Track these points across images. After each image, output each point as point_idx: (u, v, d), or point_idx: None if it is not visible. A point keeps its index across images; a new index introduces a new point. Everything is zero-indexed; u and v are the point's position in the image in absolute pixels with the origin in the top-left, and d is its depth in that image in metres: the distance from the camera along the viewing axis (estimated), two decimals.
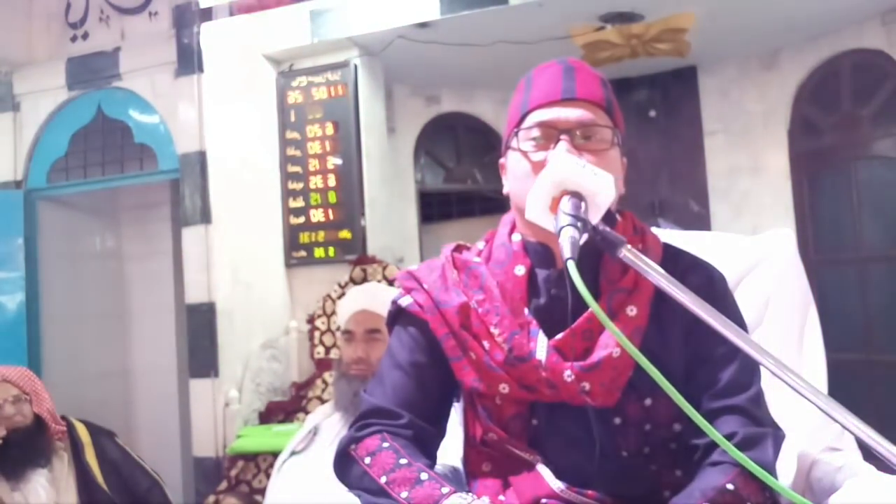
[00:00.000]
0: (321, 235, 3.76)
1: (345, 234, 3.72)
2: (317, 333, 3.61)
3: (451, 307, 1.08)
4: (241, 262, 3.56)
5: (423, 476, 0.98)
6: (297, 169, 3.82)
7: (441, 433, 1.14)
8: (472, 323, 1.07)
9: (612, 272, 1.03)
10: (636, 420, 1.02)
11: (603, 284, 1.03)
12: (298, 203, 3.81)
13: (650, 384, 0.79)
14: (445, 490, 0.95)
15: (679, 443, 1.03)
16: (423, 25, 3.57)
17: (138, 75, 3.66)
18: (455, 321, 1.07)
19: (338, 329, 3.28)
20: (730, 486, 0.91)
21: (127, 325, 4.22)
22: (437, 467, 1.11)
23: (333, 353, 3.48)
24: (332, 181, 3.76)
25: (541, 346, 1.02)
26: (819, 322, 1.42)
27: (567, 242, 0.87)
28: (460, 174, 4.85)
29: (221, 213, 3.49)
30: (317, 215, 3.77)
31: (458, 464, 1.25)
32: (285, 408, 3.50)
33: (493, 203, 4.77)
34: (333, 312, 3.52)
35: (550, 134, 1.03)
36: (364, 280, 3.51)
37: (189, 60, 3.50)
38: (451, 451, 1.25)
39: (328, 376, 3.41)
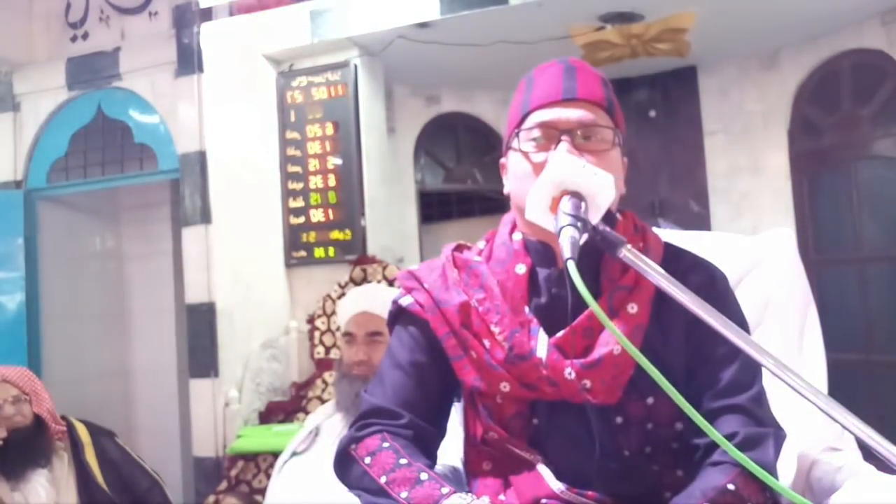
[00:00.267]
0: (321, 235, 3.76)
1: (345, 234, 3.72)
2: (317, 333, 3.61)
3: (451, 306, 1.08)
4: (241, 262, 3.56)
5: (423, 476, 0.98)
6: (297, 169, 3.82)
7: (441, 433, 1.14)
8: (472, 322, 1.07)
9: (612, 270, 1.03)
10: (638, 419, 1.02)
11: (604, 283, 1.03)
12: (298, 203, 3.81)
13: (652, 383, 0.79)
14: (445, 490, 0.95)
15: (681, 442, 1.03)
16: (423, 25, 3.57)
17: (138, 75, 3.66)
18: (455, 320, 1.07)
19: (338, 329, 3.28)
20: (730, 487, 0.91)
21: (127, 325, 4.22)
22: (437, 467, 1.11)
23: (333, 353, 3.48)
24: (332, 181, 3.76)
25: (541, 345, 1.02)
26: (819, 322, 1.42)
27: (567, 242, 0.87)
28: (460, 174, 4.85)
29: (221, 213, 3.49)
30: (317, 215, 3.77)
31: (458, 464, 1.25)
32: (285, 408, 3.50)
33: (493, 203, 4.77)
34: (333, 312, 3.52)
35: (551, 134, 1.03)
36: (364, 280, 3.51)
37: (189, 60, 3.50)
38: (451, 451, 1.25)
39: (328, 376, 3.41)
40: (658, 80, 4.55)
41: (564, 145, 1.00)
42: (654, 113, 4.60)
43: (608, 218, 0.95)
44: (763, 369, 0.83)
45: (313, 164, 3.78)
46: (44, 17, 3.94)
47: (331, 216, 3.75)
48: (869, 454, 0.82)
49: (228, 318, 3.45)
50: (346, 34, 3.65)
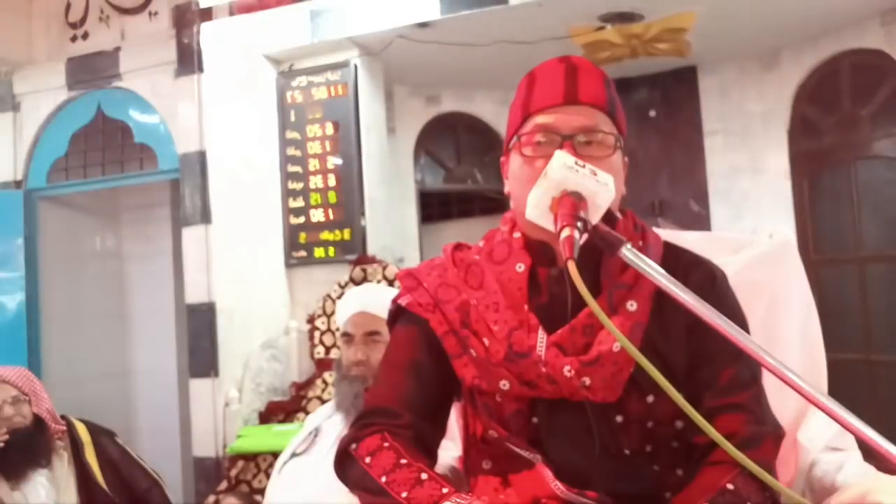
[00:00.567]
0: (321, 235, 3.77)
1: (345, 234, 3.72)
2: (317, 333, 3.61)
3: (450, 305, 1.08)
4: (241, 262, 3.56)
5: (424, 476, 0.98)
6: (297, 169, 3.82)
7: (442, 432, 1.14)
8: (471, 320, 1.06)
9: (612, 269, 1.03)
10: (638, 417, 1.02)
11: (604, 281, 1.03)
12: (298, 203, 3.81)
13: (652, 380, 0.79)
14: (446, 490, 0.95)
15: (681, 441, 1.03)
16: (423, 25, 3.57)
17: (138, 75, 3.66)
18: (455, 318, 1.07)
19: (338, 329, 3.28)
20: (730, 486, 0.91)
21: (127, 325, 4.22)
22: (438, 467, 1.11)
23: (333, 353, 3.48)
24: (332, 181, 3.76)
25: (541, 342, 1.02)
26: (819, 322, 1.42)
27: (567, 243, 0.87)
28: (460, 174, 4.85)
29: (221, 213, 3.49)
30: (317, 215, 3.77)
31: (458, 463, 1.25)
32: (285, 408, 3.50)
33: (493, 203, 4.78)
34: (333, 312, 3.52)
35: (552, 138, 1.03)
36: (364, 280, 3.52)
37: (189, 60, 3.51)
38: (450, 450, 1.24)
39: (328, 376, 3.41)
40: (658, 80, 4.56)
41: (565, 148, 1.00)
42: (654, 113, 4.60)
43: (608, 218, 0.95)
44: (763, 368, 0.83)
45: (313, 164, 3.78)
46: (44, 17, 3.94)
47: (331, 216, 3.75)
48: (869, 454, 0.82)
49: (228, 318, 3.45)
50: (346, 34, 3.65)
